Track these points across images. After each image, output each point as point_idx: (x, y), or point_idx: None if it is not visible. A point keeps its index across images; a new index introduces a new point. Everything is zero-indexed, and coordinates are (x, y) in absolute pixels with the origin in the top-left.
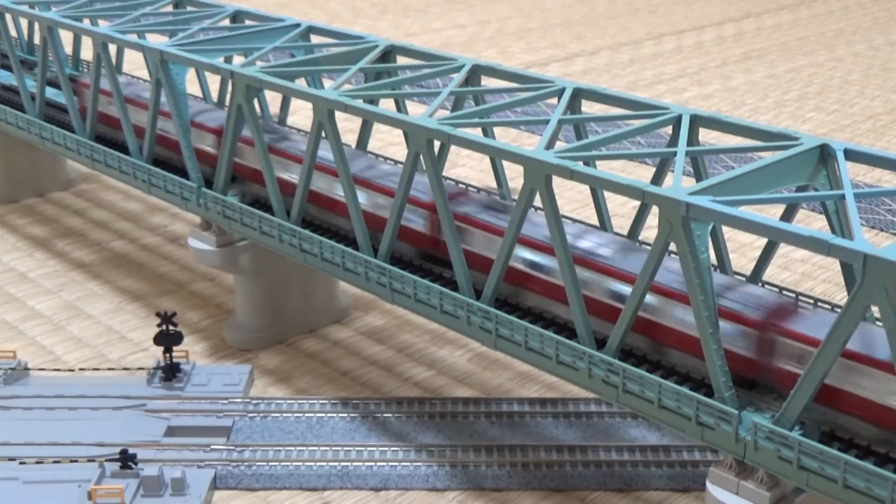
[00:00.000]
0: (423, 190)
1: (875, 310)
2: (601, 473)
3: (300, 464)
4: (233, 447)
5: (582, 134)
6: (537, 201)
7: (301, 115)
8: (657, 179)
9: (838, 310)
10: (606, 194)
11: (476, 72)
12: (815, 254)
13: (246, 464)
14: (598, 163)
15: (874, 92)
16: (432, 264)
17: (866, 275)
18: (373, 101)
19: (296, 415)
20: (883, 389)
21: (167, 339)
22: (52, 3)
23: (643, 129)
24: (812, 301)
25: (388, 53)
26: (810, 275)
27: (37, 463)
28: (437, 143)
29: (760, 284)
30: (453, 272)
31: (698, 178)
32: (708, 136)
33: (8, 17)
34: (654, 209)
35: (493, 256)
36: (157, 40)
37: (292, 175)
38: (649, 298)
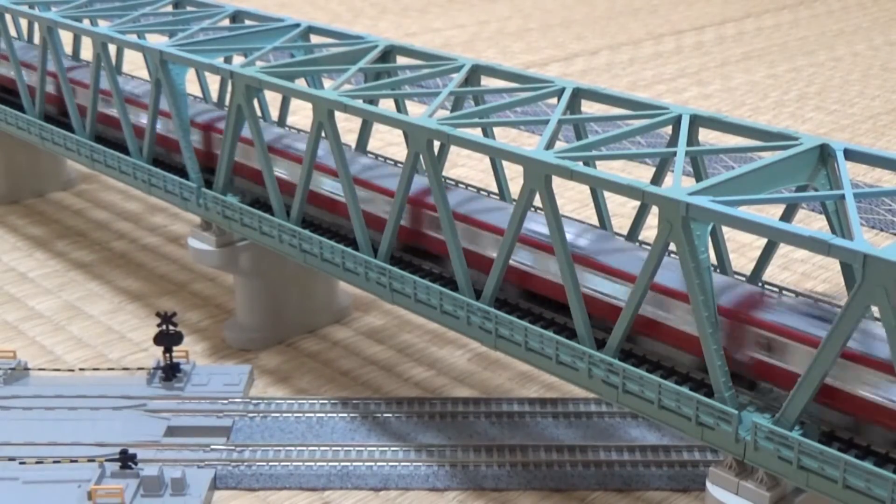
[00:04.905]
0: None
1: (875, 310)
2: (601, 473)
3: (300, 464)
4: (233, 447)
5: (582, 134)
6: (537, 201)
7: (301, 115)
8: (657, 179)
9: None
10: (606, 194)
11: (476, 72)
12: (815, 254)
13: (246, 464)
14: (597, 163)
15: (874, 92)
16: None
17: (866, 275)
18: (373, 101)
19: (296, 415)
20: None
21: (167, 339)
22: (52, 3)
23: (643, 129)
24: (812, 300)
25: (388, 53)
26: (810, 275)
27: (37, 463)
28: (436, 143)
29: (760, 285)
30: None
31: (698, 178)
32: (708, 136)
33: (8, 17)
34: (654, 209)
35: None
36: (156, 40)
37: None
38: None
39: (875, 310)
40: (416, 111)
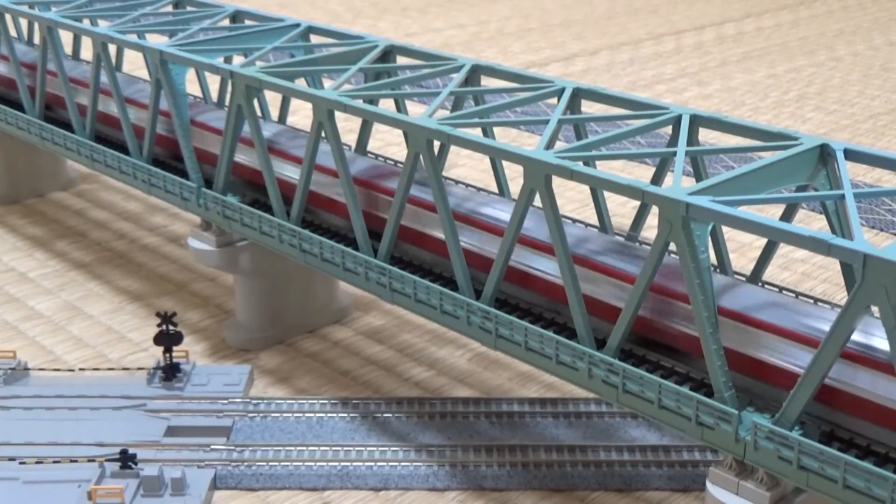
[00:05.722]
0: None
1: (875, 310)
2: (601, 473)
3: (300, 464)
4: (233, 447)
5: (582, 134)
6: (537, 201)
7: (301, 115)
8: (657, 179)
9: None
10: (606, 194)
11: (476, 72)
12: (815, 254)
13: (246, 464)
14: (597, 163)
15: (874, 92)
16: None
17: (866, 275)
18: (373, 101)
19: (296, 415)
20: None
21: (167, 339)
22: (52, 3)
23: (643, 129)
24: (812, 301)
25: (388, 53)
26: (810, 275)
27: (37, 463)
28: (437, 143)
29: (760, 284)
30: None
31: (698, 178)
32: (708, 136)
33: (7, 17)
34: (654, 209)
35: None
36: (156, 40)
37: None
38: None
39: (875, 310)
40: (416, 111)
